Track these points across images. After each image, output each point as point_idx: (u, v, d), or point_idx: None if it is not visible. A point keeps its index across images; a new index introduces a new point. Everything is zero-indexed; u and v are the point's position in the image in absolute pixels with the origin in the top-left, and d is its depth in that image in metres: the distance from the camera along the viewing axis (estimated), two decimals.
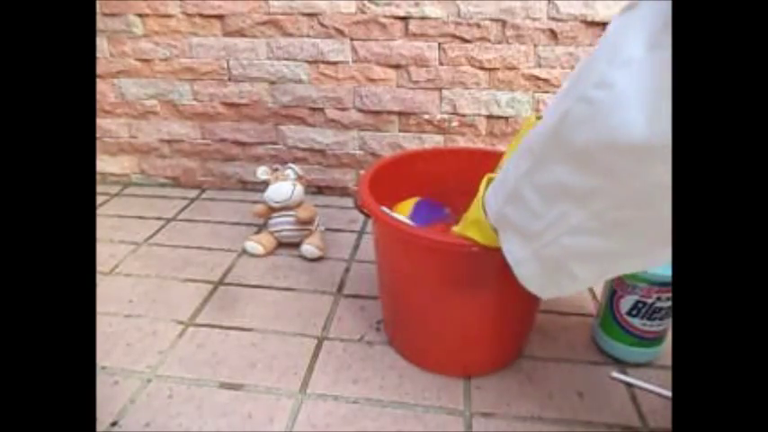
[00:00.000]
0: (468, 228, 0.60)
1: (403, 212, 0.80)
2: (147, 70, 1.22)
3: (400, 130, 1.18)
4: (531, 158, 0.47)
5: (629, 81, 0.34)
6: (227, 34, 1.15)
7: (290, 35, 1.13)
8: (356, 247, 1.05)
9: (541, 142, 0.45)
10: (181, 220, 1.16)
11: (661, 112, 0.32)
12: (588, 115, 0.37)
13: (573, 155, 0.41)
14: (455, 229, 0.63)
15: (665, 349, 0.74)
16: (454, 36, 1.08)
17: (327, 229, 1.09)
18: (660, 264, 0.47)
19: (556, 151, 0.43)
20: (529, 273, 0.53)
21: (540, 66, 1.07)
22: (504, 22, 1.05)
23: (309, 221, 1.01)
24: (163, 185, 1.34)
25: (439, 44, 1.09)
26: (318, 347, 0.78)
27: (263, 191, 1.00)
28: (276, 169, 1.01)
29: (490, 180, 0.60)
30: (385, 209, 0.70)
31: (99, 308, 0.85)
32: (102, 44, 1.20)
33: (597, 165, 0.39)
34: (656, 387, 0.69)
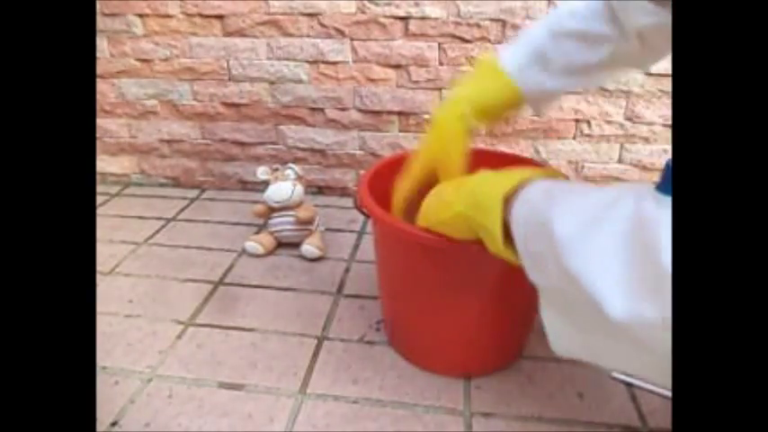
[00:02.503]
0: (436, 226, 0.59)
1: None
2: (147, 70, 1.21)
3: (400, 130, 1.18)
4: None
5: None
6: (227, 34, 1.15)
7: (290, 35, 1.13)
8: (356, 247, 1.05)
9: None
10: (181, 220, 1.16)
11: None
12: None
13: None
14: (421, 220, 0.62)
15: None
16: (454, 36, 1.08)
17: (327, 229, 1.09)
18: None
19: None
20: (562, 344, 0.49)
21: None
22: (504, 22, 1.05)
23: (309, 221, 1.01)
24: (163, 185, 1.34)
25: (439, 44, 1.09)
26: (318, 347, 0.78)
27: (263, 191, 1.00)
28: (276, 169, 1.01)
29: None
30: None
31: (99, 308, 0.85)
32: (102, 44, 1.20)
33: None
34: (657, 387, 0.69)
